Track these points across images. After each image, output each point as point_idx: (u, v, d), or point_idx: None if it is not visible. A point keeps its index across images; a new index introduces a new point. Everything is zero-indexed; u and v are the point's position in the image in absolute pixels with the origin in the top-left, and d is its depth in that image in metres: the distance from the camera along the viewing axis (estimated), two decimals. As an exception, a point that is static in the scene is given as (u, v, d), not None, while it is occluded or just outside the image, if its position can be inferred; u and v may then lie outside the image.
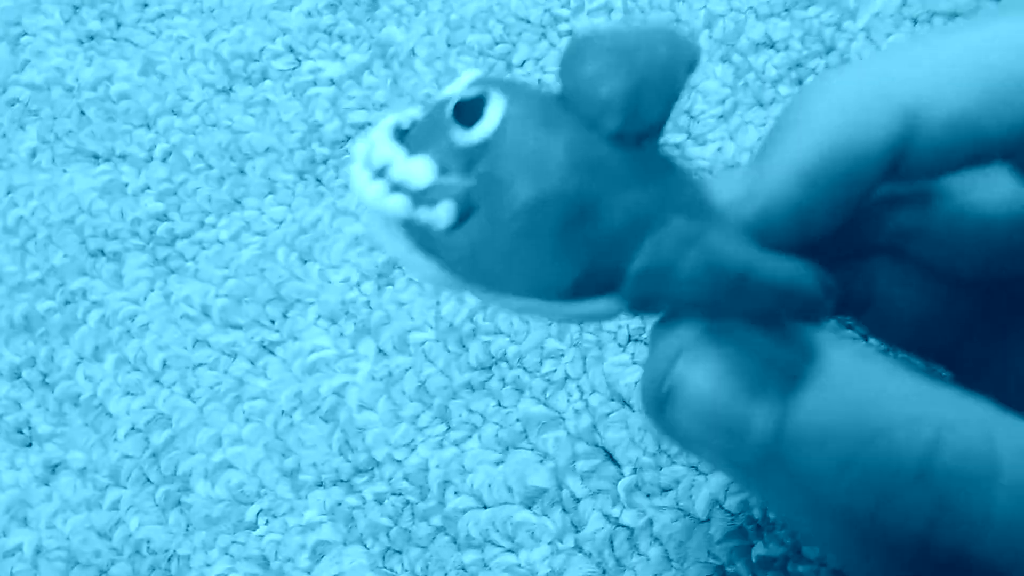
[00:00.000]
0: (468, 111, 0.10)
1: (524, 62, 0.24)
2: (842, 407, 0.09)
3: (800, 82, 0.22)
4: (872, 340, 0.14)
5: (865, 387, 0.10)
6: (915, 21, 0.22)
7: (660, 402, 0.10)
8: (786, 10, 0.23)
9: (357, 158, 0.11)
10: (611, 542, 0.19)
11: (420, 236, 0.10)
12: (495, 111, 0.10)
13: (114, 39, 0.26)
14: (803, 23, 0.23)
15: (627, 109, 0.10)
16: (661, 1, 0.23)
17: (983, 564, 0.09)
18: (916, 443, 0.09)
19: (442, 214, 0.10)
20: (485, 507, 0.20)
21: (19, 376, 0.22)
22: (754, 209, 0.11)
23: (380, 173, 0.10)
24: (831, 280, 0.10)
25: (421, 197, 0.10)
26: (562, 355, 0.21)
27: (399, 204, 0.10)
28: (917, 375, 0.10)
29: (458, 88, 0.11)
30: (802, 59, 0.22)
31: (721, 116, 0.22)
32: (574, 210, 0.10)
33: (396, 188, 0.10)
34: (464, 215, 0.10)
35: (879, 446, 0.09)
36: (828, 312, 0.10)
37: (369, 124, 0.24)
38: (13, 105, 0.25)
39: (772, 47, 0.23)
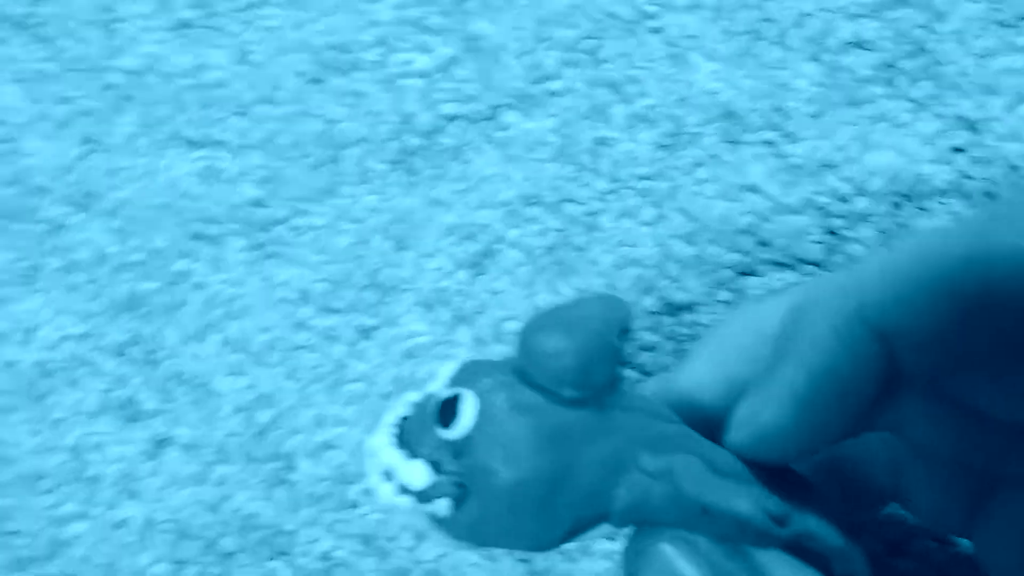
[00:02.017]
0: (449, 407, 0.13)
1: (612, 57, 0.24)
2: None
3: (891, 83, 0.23)
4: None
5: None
6: (1003, 24, 0.23)
7: None
8: (875, 11, 0.23)
9: (369, 462, 0.13)
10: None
11: (431, 519, 0.13)
12: (468, 410, 0.12)
13: (206, 27, 0.26)
14: (893, 24, 0.23)
15: (577, 380, 0.12)
16: (750, 0, 0.24)
17: None
18: None
19: (440, 508, 0.12)
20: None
21: (123, 354, 0.23)
22: (750, 436, 0.13)
23: (388, 476, 0.13)
24: (782, 510, 0.12)
25: (423, 496, 0.12)
26: (654, 348, 0.21)
27: (407, 504, 0.12)
28: None
29: (439, 385, 0.13)
30: (893, 59, 0.23)
31: (813, 115, 0.22)
32: (548, 483, 0.12)
33: (403, 490, 0.12)
34: (460, 500, 0.12)
35: None
36: (778, 542, 0.12)
37: (460, 116, 0.24)
38: (109, 89, 0.26)
39: (862, 47, 0.23)
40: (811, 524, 0.13)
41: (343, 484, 0.21)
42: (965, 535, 0.15)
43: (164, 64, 0.26)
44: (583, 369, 0.12)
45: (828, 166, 0.22)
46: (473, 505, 0.12)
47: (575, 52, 0.24)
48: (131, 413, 0.23)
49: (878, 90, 0.23)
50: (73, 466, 0.22)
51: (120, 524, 0.22)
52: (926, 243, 0.12)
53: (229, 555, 0.21)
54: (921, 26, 0.23)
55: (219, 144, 0.25)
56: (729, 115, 0.23)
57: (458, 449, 0.12)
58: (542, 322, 0.13)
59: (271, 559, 0.21)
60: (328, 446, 0.22)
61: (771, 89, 0.23)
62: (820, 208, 0.22)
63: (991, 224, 0.11)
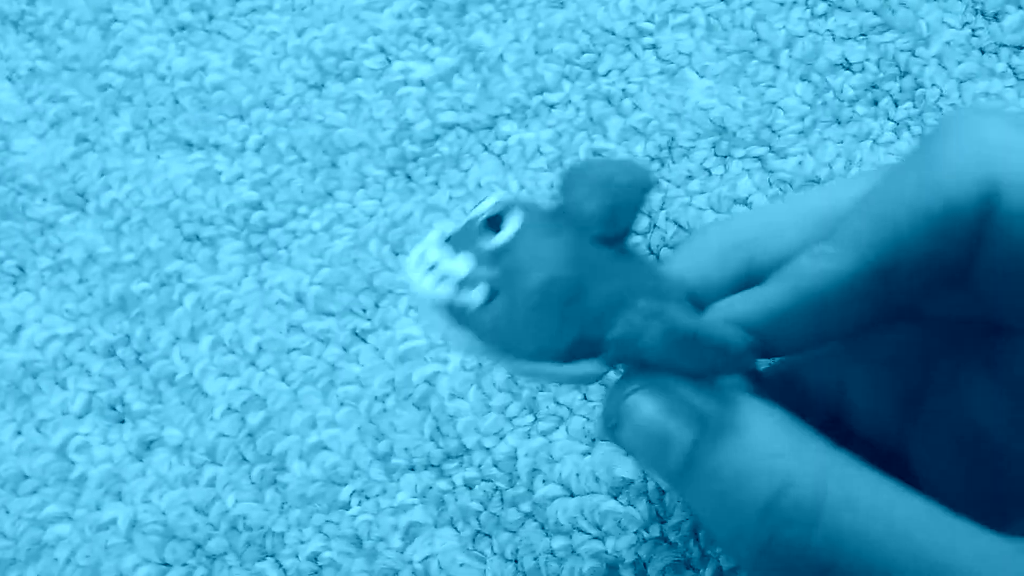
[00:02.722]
0: (493, 224, 0.14)
1: (609, 72, 0.25)
2: (733, 453, 0.13)
3: (876, 103, 0.23)
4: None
5: (752, 440, 0.13)
6: (982, 51, 0.24)
7: (614, 424, 0.14)
8: (862, 34, 0.24)
9: (411, 259, 0.14)
10: (695, 533, 0.20)
11: (458, 315, 0.14)
12: (512, 224, 0.14)
13: (206, 31, 0.26)
14: (879, 47, 0.24)
15: (605, 221, 0.14)
16: (743, 19, 0.25)
17: None
18: (764, 491, 0.13)
19: (476, 295, 0.14)
20: (573, 495, 0.21)
21: (113, 354, 0.23)
22: (759, 314, 0.15)
23: (430, 269, 0.14)
24: (754, 341, 0.14)
25: (462, 284, 0.14)
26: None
27: (446, 289, 0.14)
28: (798, 435, 0.13)
29: (486, 207, 0.14)
30: (878, 81, 0.24)
31: (801, 132, 0.23)
32: (571, 291, 0.14)
33: (443, 279, 0.14)
34: (492, 297, 0.14)
35: (745, 489, 0.13)
36: (751, 364, 0.14)
37: (459, 125, 0.24)
38: (105, 90, 0.26)
39: (849, 69, 0.24)
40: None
41: (335, 485, 0.21)
42: (900, 443, 0.17)
43: (162, 66, 0.26)
44: (610, 214, 0.14)
45: (814, 181, 0.23)
46: (501, 302, 0.14)
47: (573, 66, 0.25)
48: (119, 414, 0.22)
49: (863, 110, 0.23)
50: (58, 467, 0.22)
51: (105, 526, 0.21)
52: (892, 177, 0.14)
53: (216, 557, 0.21)
54: (905, 50, 0.24)
55: (217, 147, 0.25)
56: (721, 130, 0.24)
57: (498, 256, 0.14)
58: (582, 170, 0.15)
59: (259, 560, 0.21)
60: (320, 447, 0.22)
61: (761, 106, 0.24)
62: (808, 222, 0.23)
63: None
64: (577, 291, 0.14)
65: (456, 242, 0.14)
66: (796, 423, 0.13)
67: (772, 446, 0.13)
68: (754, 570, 0.13)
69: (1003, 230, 0.13)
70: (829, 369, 0.17)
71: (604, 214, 0.14)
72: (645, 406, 0.14)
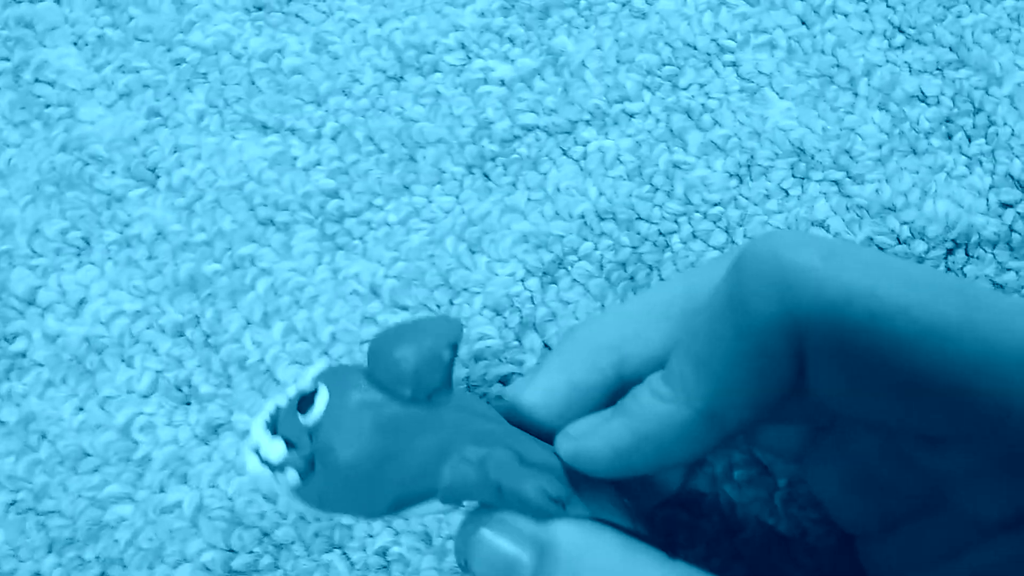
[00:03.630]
0: (309, 399, 0.16)
1: (689, 85, 0.25)
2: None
3: (950, 137, 0.24)
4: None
5: (581, 565, 0.15)
6: (1052, 93, 0.25)
7: (464, 560, 0.16)
8: (938, 69, 0.25)
9: (245, 442, 0.17)
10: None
11: (288, 486, 0.16)
12: (321, 400, 0.16)
13: (283, 13, 0.26)
14: (954, 83, 0.24)
15: (413, 382, 0.15)
16: (823, 44, 0.25)
17: None
18: None
19: (291, 477, 0.15)
20: (644, 503, 0.21)
21: (182, 334, 0.23)
22: (569, 454, 0.17)
23: (256, 451, 0.16)
24: (562, 494, 0.15)
25: (279, 467, 0.15)
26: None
27: (265, 473, 0.15)
28: (628, 553, 0.15)
29: (304, 382, 0.16)
30: (952, 116, 0.24)
31: (878, 159, 0.24)
32: (378, 463, 0.15)
33: (264, 462, 0.15)
34: (307, 473, 0.15)
35: None
36: (555, 514, 0.15)
37: (538, 127, 0.25)
38: (179, 65, 0.25)
39: (924, 101, 0.24)
40: (593, 509, 0.16)
41: (407, 482, 0.21)
42: (799, 463, 0.19)
43: (238, 45, 0.25)
44: (417, 373, 0.15)
45: (890, 209, 0.23)
46: (319, 477, 0.15)
47: (654, 77, 0.25)
48: (185, 395, 0.22)
49: (937, 142, 0.24)
50: (121, 446, 0.22)
51: (169, 508, 0.21)
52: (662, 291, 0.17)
53: (283, 546, 0.21)
54: (979, 88, 0.24)
55: (293, 131, 0.24)
56: (799, 152, 0.24)
57: (311, 432, 0.15)
58: (388, 335, 0.16)
59: (327, 552, 0.21)
60: (393, 443, 0.21)
61: (840, 132, 0.24)
62: (881, 248, 0.23)
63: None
64: (386, 457, 0.15)
65: (282, 419, 0.16)
66: (627, 540, 0.15)
67: (601, 567, 0.14)
68: None
69: (818, 364, 0.14)
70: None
71: (410, 376, 0.15)
72: (488, 540, 0.15)
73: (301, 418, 0.15)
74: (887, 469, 0.16)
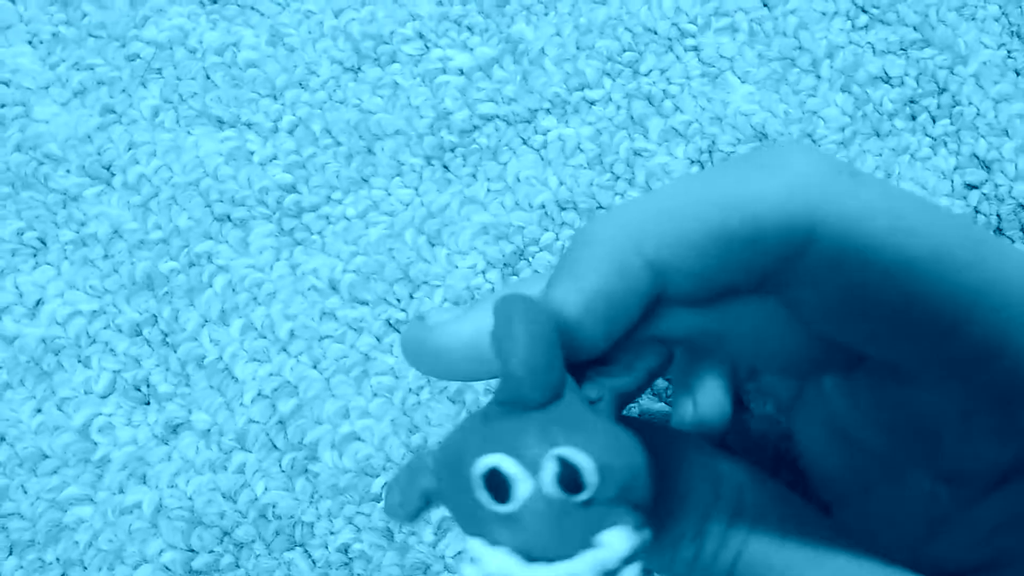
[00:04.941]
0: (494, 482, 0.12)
1: (650, 71, 0.25)
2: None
3: (914, 118, 0.24)
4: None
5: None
6: (1018, 73, 0.24)
7: None
8: (902, 49, 0.24)
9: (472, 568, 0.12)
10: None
11: None
12: (520, 482, 0.12)
13: (238, 5, 0.26)
14: (918, 63, 0.24)
15: (531, 383, 0.12)
16: (785, 27, 0.25)
17: None
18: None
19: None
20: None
21: (139, 334, 0.22)
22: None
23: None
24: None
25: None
26: (681, 355, 0.22)
27: None
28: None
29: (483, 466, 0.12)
30: (916, 96, 0.24)
31: (841, 142, 0.23)
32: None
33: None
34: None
35: None
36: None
37: (497, 117, 0.24)
38: (133, 60, 0.25)
39: (888, 83, 0.24)
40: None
41: (367, 477, 0.21)
42: (788, 417, 0.18)
43: (193, 39, 0.25)
44: (534, 372, 0.12)
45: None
46: None
47: (614, 63, 0.25)
48: (144, 395, 0.22)
49: (901, 124, 0.24)
50: (80, 447, 0.21)
51: (129, 509, 0.21)
52: (695, 187, 0.14)
53: (244, 545, 0.21)
54: (943, 67, 0.24)
55: (249, 126, 0.24)
56: (762, 137, 0.24)
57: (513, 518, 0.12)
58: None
59: (288, 550, 0.21)
60: (353, 438, 0.21)
61: (802, 115, 0.24)
62: (844, 232, 0.23)
63: (751, 172, 0.13)
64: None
65: (478, 523, 0.12)
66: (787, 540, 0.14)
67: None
68: None
69: (818, 274, 0.13)
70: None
71: (527, 378, 0.12)
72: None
73: (499, 508, 0.11)
74: (872, 415, 0.16)
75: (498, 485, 0.11)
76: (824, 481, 0.18)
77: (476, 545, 0.12)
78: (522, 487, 0.11)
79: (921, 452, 0.15)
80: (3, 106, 0.25)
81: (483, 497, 0.11)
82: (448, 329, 0.14)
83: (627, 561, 0.11)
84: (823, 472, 0.18)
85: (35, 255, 0.23)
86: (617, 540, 0.11)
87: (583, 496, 0.11)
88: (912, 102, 0.24)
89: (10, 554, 0.21)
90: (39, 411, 0.22)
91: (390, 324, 0.22)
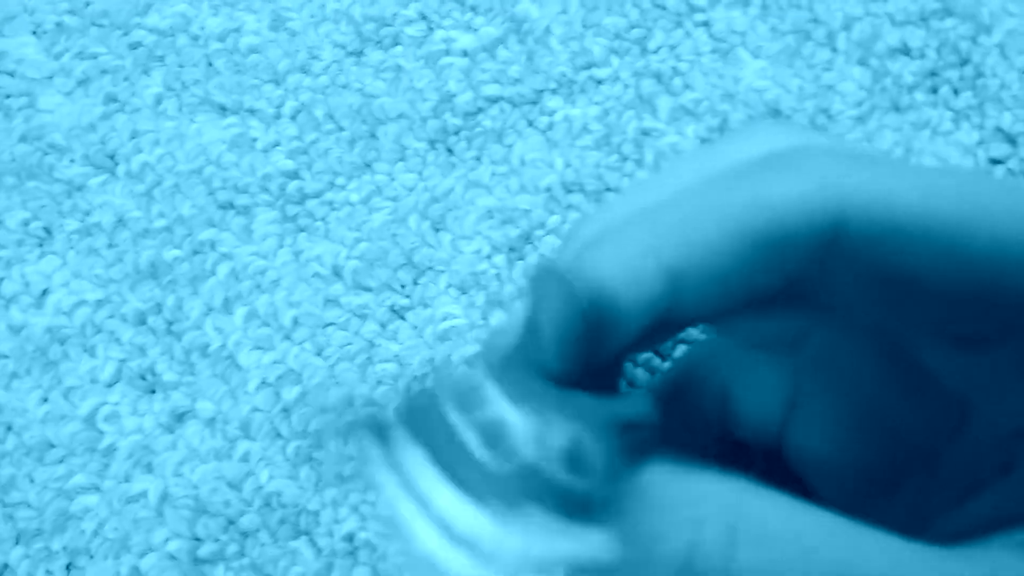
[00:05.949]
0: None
1: (659, 48, 0.24)
2: (644, 513, 0.12)
3: (935, 91, 0.23)
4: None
5: (661, 493, 0.12)
6: (1045, 41, 0.23)
7: None
8: (923, 19, 0.23)
9: None
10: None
11: None
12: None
13: (241, -9, 0.25)
14: (939, 34, 0.23)
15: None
16: (799, 0, 0.24)
17: None
18: (679, 548, 0.12)
19: None
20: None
21: (144, 322, 0.22)
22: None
23: None
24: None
25: None
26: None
27: None
28: (705, 479, 0.12)
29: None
30: (937, 68, 0.23)
31: (859, 118, 0.23)
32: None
33: None
34: None
35: (661, 548, 0.12)
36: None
37: (502, 98, 0.24)
38: (136, 48, 0.25)
39: (908, 54, 0.23)
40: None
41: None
42: (779, 436, 0.17)
43: (195, 26, 0.25)
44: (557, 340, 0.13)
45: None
46: None
47: (622, 40, 0.24)
48: (150, 384, 0.22)
49: (922, 97, 0.23)
50: (86, 436, 0.21)
51: (135, 498, 0.21)
52: (711, 193, 0.13)
53: (249, 533, 0.21)
54: (965, 37, 0.23)
55: (251, 112, 0.24)
56: (775, 113, 0.23)
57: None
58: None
59: (293, 538, 0.20)
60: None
61: (817, 90, 0.23)
62: (862, 211, 0.22)
63: (767, 173, 0.13)
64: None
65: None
66: (692, 467, 0.13)
67: (685, 494, 0.12)
68: None
69: (849, 258, 0.13)
70: (713, 385, 0.17)
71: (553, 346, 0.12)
72: None
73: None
74: (894, 396, 0.15)
75: (496, 437, 0.11)
76: (834, 482, 0.16)
77: (440, 489, 0.11)
78: (529, 450, 0.11)
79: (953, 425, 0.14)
80: (8, 96, 0.25)
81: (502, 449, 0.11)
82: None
83: (593, 565, 0.11)
84: (835, 467, 0.16)
85: (40, 245, 0.23)
86: (594, 540, 0.11)
87: (580, 485, 0.11)
88: (933, 74, 0.23)
89: (17, 543, 0.21)
90: (45, 400, 0.22)
91: (394, 311, 0.22)
